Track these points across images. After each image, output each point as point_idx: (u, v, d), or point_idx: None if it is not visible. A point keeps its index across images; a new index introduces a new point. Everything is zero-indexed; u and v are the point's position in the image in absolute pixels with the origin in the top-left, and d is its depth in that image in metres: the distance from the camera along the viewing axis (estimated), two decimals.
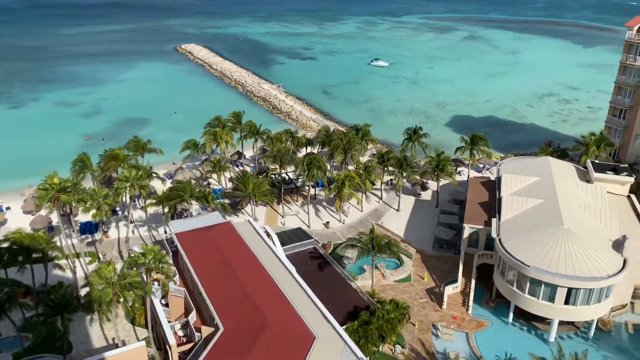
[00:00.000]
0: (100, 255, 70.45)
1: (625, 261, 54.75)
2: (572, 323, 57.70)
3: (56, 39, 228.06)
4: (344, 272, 63.33)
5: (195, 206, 77.83)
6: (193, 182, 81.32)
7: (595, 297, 53.28)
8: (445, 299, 61.06)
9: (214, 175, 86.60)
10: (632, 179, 70.48)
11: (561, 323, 56.19)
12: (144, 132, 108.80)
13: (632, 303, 60.48)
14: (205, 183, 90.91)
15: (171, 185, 76.18)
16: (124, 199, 75.37)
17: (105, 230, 76.72)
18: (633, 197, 70.28)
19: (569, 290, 52.88)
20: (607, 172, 71.16)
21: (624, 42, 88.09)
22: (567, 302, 53.47)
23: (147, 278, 49.66)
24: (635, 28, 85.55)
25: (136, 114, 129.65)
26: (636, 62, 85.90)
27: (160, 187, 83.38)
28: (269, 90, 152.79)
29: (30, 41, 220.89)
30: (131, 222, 77.18)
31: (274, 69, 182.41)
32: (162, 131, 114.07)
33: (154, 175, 76.03)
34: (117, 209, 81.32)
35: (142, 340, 49.57)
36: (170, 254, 57.71)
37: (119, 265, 55.05)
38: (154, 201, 71.88)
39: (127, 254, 70.04)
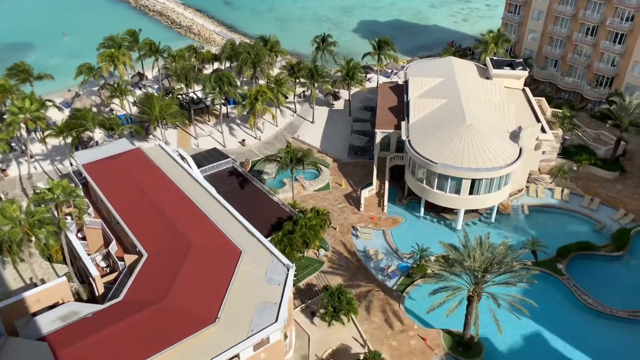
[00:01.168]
0: (2, 195, 65.72)
1: (521, 150, 59.67)
2: (476, 211, 63.17)
3: None
4: (265, 187, 63.99)
5: (100, 134, 73.66)
6: (94, 109, 76.21)
7: (496, 185, 58.19)
8: (362, 202, 64.11)
9: (116, 100, 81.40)
10: (526, 73, 75.09)
11: (467, 212, 61.37)
12: (31, 58, 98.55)
13: (527, 187, 66.87)
14: (107, 109, 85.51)
15: (70, 114, 70.91)
16: (19, 133, 69.56)
17: (4, 168, 71.17)
18: (527, 89, 75.29)
19: (473, 181, 57.22)
20: (504, 67, 75.09)
21: None
22: (471, 192, 58.04)
23: (58, 213, 47.43)
24: None
25: (17, 39, 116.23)
26: None
27: (58, 116, 77.33)
28: (164, 3, 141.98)
29: None
30: (31, 157, 71.93)
31: None
32: (52, 56, 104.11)
33: (50, 104, 70.18)
34: (14, 144, 75.12)
35: (62, 276, 48.14)
36: (80, 187, 55.01)
37: (25, 204, 51.85)
38: (53, 132, 67.00)
39: (32, 191, 65.93)
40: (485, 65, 79.44)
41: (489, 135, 59.57)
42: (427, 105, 67.31)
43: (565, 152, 71.41)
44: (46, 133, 68.44)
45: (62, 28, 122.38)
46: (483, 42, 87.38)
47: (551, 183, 67.52)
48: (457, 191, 58.33)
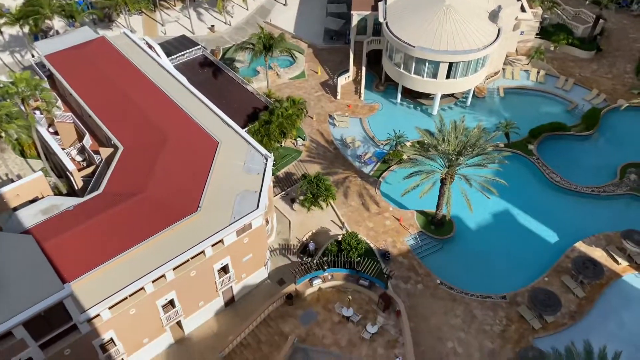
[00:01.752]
0: None
1: (499, 30, 58.37)
2: (452, 95, 63.16)
3: None
4: (238, 76, 62.28)
5: (60, 23, 69.18)
6: None
7: (473, 68, 57.64)
8: (339, 89, 63.27)
9: None
10: None
11: (443, 97, 61.33)
12: None
13: (503, 69, 66.45)
14: None
15: (24, 0, 65.75)
16: None
17: None
18: None
19: (450, 65, 56.48)
20: None
21: None
22: (448, 76, 57.54)
23: (25, 108, 45.96)
24: None
25: None
26: None
27: (10, 2, 71.69)
28: None
29: None
30: None
31: None
32: None
33: None
34: None
35: (38, 171, 47.86)
36: (45, 79, 52.78)
37: None
38: (8, 20, 62.60)
39: None
40: None
41: (468, 16, 57.75)
42: None
43: (544, 31, 70.15)
44: (1, 21, 63.89)
45: None
46: None
47: (527, 64, 67.11)
48: (434, 75, 57.73)
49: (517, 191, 50.57)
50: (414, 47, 56.25)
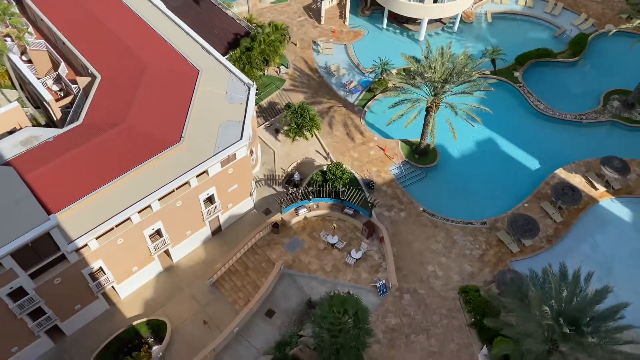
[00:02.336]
0: None
1: None
2: (439, 20, 61.53)
3: None
4: (218, 0, 59.57)
5: None
6: None
7: None
8: (322, 14, 61.16)
9: None
10: None
11: (430, 22, 59.75)
12: None
13: None
14: None
15: None
16: None
17: None
18: None
19: None
20: None
21: None
22: (435, 0, 55.76)
23: None
24: None
25: None
26: None
27: None
28: None
29: None
30: None
31: None
32: None
33: None
34: None
35: (13, 101, 46.52)
36: (14, 4, 50.00)
37: None
38: None
39: None
40: None
41: None
42: None
43: None
44: None
45: None
46: None
47: None
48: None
49: (501, 119, 50.65)
50: None
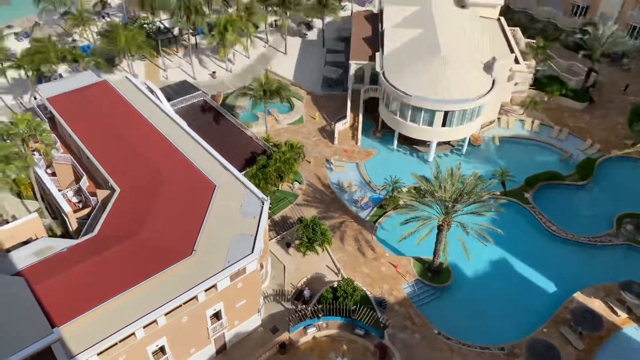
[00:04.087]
0: None
1: (494, 82, 59.72)
2: (448, 142, 63.93)
3: None
4: (238, 121, 63.17)
5: (63, 66, 70.55)
6: (55, 39, 72.46)
7: (468, 117, 58.62)
8: (336, 134, 64.07)
9: (79, 30, 77.42)
10: (501, 1, 73.72)
11: (439, 144, 62.08)
12: None
13: (498, 118, 67.57)
14: (70, 40, 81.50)
15: (30, 46, 67.43)
16: None
17: None
18: (502, 19, 74.31)
19: (446, 113, 57.45)
20: None
21: None
22: (444, 124, 58.41)
23: (25, 149, 46.23)
24: None
25: None
26: None
27: (17, 46, 73.44)
28: None
29: None
30: None
31: None
32: None
33: (8, 34, 66.44)
34: None
35: (33, 212, 47.74)
36: (46, 121, 53.37)
37: None
38: (13, 64, 63.90)
39: None
40: None
41: (463, 67, 59.25)
42: (401, 36, 66.05)
43: (537, 83, 71.80)
44: (5, 64, 65.22)
45: None
46: None
47: (522, 114, 68.31)
48: (430, 123, 58.61)
49: (514, 239, 50.41)
50: (411, 95, 57.36)
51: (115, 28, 70.06)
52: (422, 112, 57.84)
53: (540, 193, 56.65)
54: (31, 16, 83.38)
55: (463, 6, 73.84)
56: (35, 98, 65.81)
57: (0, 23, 69.66)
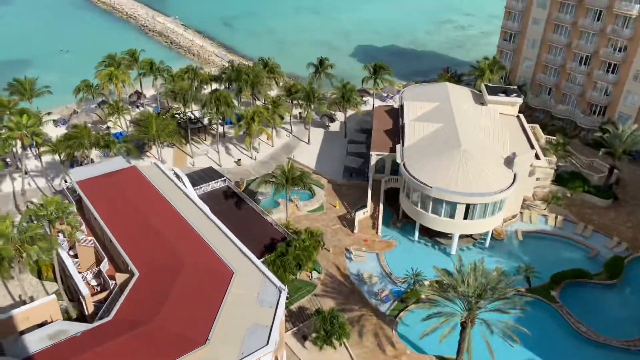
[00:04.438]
0: None
1: (515, 176, 59.99)
2: (470, 236, 63.17)
3: None
4: (259, 207, 63.93)
5: (95, 152, 73.59)
6: (90, 126, 76.37)
7: (490, 210, 58.33)
8: (356, 223, 64.05)
9: (113, 118, 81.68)
10: (520, 100, 75.92)
11: (461, 237, 61.36)
12: (28, 73, 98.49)
13: (521, 213, 67.03)
14: (104, 127, 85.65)
15: (67, 132, 71.01)
16: (14, 149, 69.48)
17: None
18: (521, 116, 76.06)
19: (467, 206, 57.36)
20: (499, 94, 75.93)
21: None
22: (465, 217, 58.11)
23: (51, 230, 47.14)
24: None
25: (15, 55, 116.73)
26: None
27: (54, 132, 77.37)
28: (165, 23, 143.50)
29: None
30: (26, 173, 71.63)
31: (168, 1, 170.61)
32: (49, 72, 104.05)
33: (47, 120, 70.33)
34: (8, 160, 74.95)
35: (52, 294, 47.66)
36: (74, 204, 54.79)
37: (18, 220, 51.50)
38: (49, 149, 66.96)
39: (25, 207, 65.46)
40: (480, 91, 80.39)
41: (484, 161, 59.96)
42: (422, 129, 67.81)
43: (559, 178, 71.82)
44: (42, 149, 68.37)
45: (62, 44, 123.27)
46: (478, 69, 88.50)
47: (545, 209, 67.75)
48: (452, 215, 58.40)
49: (541, 340, 48.03)
50: (431, 187, 57.76)
51: (148, 117, 73.67)
52: (444, 204, 57.89)
53: (567, 291, 54.67)
54: (70, 104, 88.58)
55: (482, 103, 76.14)
56: (65, 181, 68.13)
57: (42, 110, 73.82)
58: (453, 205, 57.65)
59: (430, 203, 58.79)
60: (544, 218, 66.65)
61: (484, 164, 59.47)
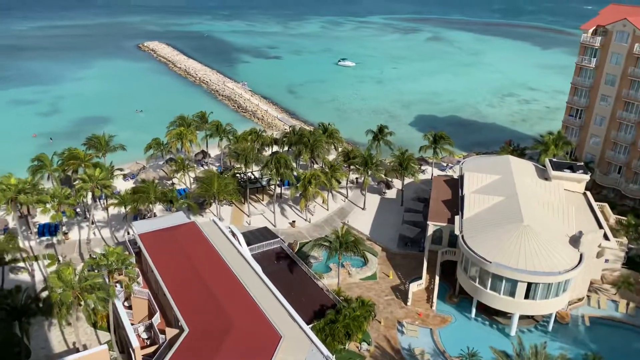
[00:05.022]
0: (60, 258, 68.41)
1: (581, 256, 56.75)
2: (532, 317, 59.46)
3: (8, 33, 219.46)
4: (311, 271, 63.46)
5: (158, 206, 76.52)
6: (157, 181, 79.97)
7: (554, 291, 55.03)
8: (410, 295, 61.99)
9: (179, 175, 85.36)
10: (587, 177, 73.07)
11: (521, 317, 57.86)
12: (105, 130, 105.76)
13: (588, 296, 62.76)
14: (169, 183, 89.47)
15: (134, 186, 74.68)
16: (85, 200, 73.53)
17: (66, 231, 74.57)
18: (588, 194, 72.88)
19: (529, 285, 54.44)
20: (564, 170, 73.54)
21: (579, 44, 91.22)
22: (527, 296, 55.01)
23: (109, 280, 48.57)
24: (590, 31, 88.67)
25: (96, 113, 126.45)
26: (591, 64, 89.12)
27: (122, 186, 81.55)
28: (234, 89, 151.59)
29: None
30: (92, 223, 75.25)
31: (239, 68, 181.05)
32: (124, 130, 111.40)
33: (118, 174, 74.41)
34: (78, 209, 79.21)
35: (104, 343, 48.39)
36: (134, 255, 56.57)
37: (80, 267, 53.59)
38: (116, 201, 70.35)
39: (88, 255, 68.23)
40: (544, 166, 78.24)
41: (548, 238, 57.33)
42: (482, 202, 66.22)
43: (631, 262, 67.26)
44: (110, 201, 71.91)
45: (137, 105, 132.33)
46: (542, 143, 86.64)
47: (615, 294, 63.14)
48: (512, 294, 55.50)
49: None
50: (490, 262, 55.51)
51: (211, 175, 76.45)
52: (503, 281, 55.27)
53: None
54: (140, 160, 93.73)
55: (546, 178, 73.87)
56: (128, 233, 70.84)
57: (114, 165, 78.52)
58: (513, 283, 54.91)
59: (489, 279, 56.30)
60: (613, 304, 61.96)
61: (548, 242, 56.81)
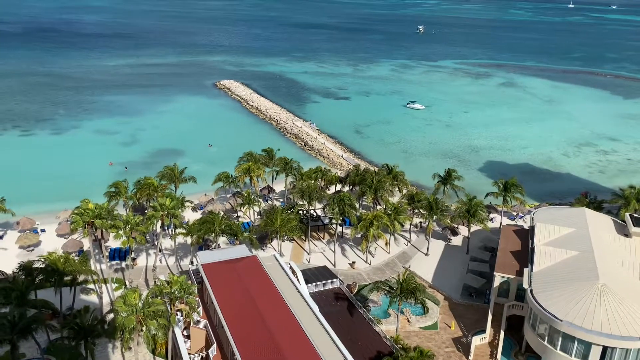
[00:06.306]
0: (127, 282, 71.07)
1: None
2: None
3: (99, 69, 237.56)
4: (368, 315, 62.03)
5: (222, 237, 78.23)
6: (222, 213, 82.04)
7: (633, 358, 50.48)
8: (472, 349, 58.94)
9: (244, 209, 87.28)
10: None
11: None
12: (178, 162, 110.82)
13: None
14: (235, 215, 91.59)
15: (202, 217, 77.06)
16: (154, 228, 76.53)
17: (134, 257, 77.61)
18: None
19: (604, 349, 50.34)
20: None
21: None
22: None
23: (171, 308, 49.69)
24: None
25: (171, 145, 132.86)
26: None
27: (190, 216, 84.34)
28: (302, 127, 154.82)
29: (73, 70, 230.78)
30: (160, 250, 77.96)
31: (309, 107, 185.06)
32: (196, 163, 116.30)
33: (187, 205, 77.18)
34: (147, 236, 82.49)
35: None
36: (196, 285, 57.77)
37: (145, 293, 55.33)
38: (184, 231, 72.67)
39: (153, 282, 70.43)
40: (623, 221, 73.32)
41: (626, 299, 53.07)
42: (554, 255, 62.70)
43: None
44: (177, 231, 74.37)
45: (210, 140, 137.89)
46: (623, 197, 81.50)
47: None
48: (585, 357, 51.45)
49: None
50: (562, 320, 51.94)
51: (275, 211, 77.59)
52: (575, 342, 51.45)
53: None
54: (209, 192, 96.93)
55: (626, 235, 69.07)
56: (192, 262, 72.71)
57: (185, 195, 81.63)
58: (587, 345, 50.93)
59: (560, 339, 52.58)
60: None
61: (627, 303, 52.55)
